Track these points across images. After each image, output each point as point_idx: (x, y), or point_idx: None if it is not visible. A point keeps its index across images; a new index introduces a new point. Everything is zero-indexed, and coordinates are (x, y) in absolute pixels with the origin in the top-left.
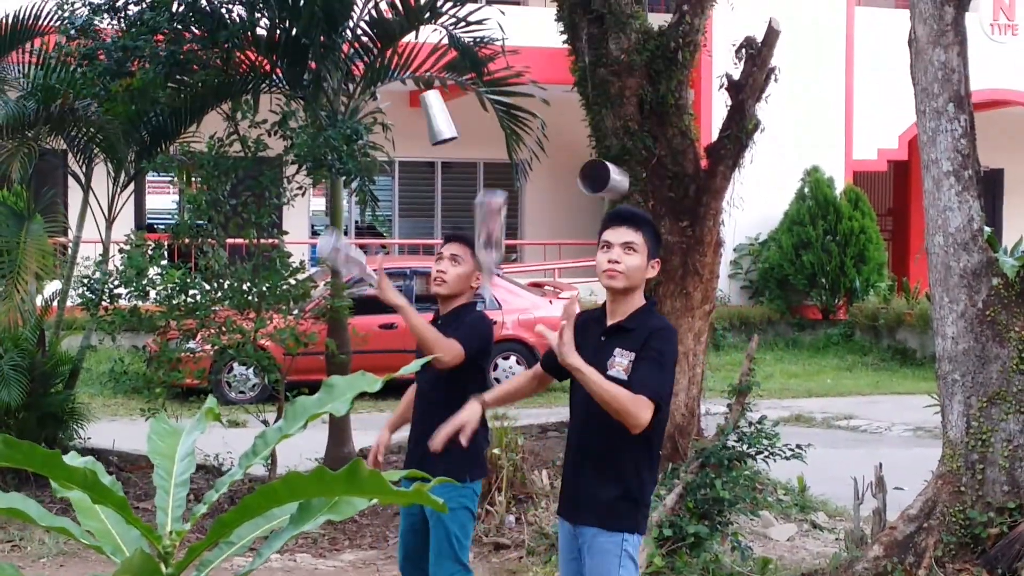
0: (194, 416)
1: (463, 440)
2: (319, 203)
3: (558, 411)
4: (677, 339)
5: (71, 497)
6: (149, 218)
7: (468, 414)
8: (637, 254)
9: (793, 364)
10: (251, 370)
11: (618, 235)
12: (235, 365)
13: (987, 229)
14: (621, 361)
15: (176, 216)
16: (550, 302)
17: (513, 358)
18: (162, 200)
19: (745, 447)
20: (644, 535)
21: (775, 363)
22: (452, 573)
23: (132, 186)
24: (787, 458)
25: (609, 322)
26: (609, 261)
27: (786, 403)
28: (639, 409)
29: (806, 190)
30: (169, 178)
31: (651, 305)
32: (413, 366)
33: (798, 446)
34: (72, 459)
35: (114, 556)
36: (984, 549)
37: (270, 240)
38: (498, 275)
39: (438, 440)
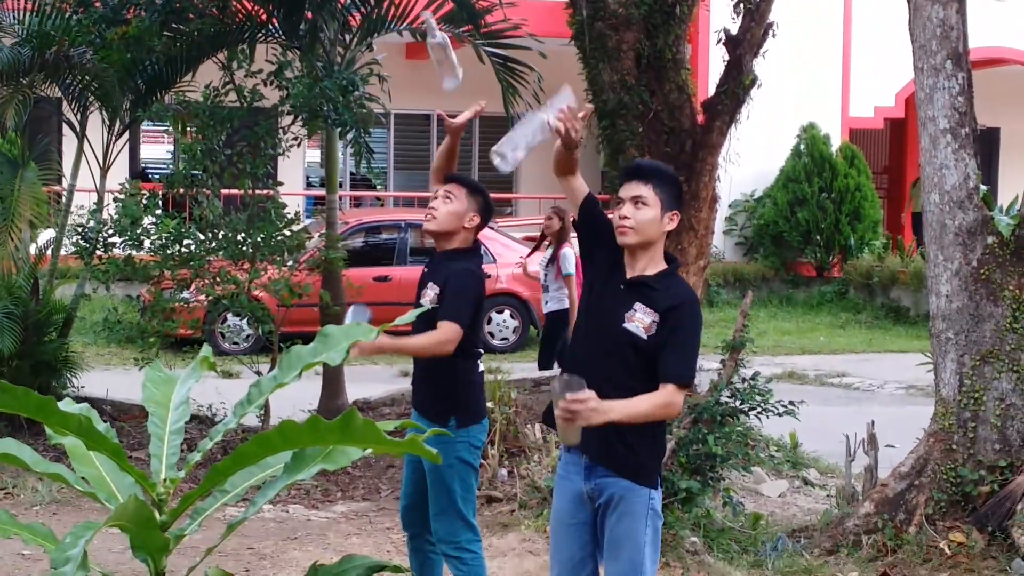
0: (188, 366)
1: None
2: (314, 154)
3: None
4: (698, 305)
5: (65, 444)
6: (144, 167)
7: None
8: (648, 208)
9: (787, 321)
10: (245, 321)
11: (628, 190)
12: (229, 316)
13: (983, 187)
14: (643, 318)
15: (171, 165)
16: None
17: (507, 312)
18: (157, 150)
19: (738, 403)
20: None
21: (769, 320)
22: (454, 531)
23: (127, 135)
24: (780, 415)
25: (629, 274)
26: (620, 217)
27: (779, 360)
28: (673, 407)
29: (802, 147)
30: (164, 127)
31: (676, 266)
32: (408, 316)
33: (791, 403)
34: (67, 406)
35: (108, 503)
36: (975, 507)
37: (265, 191)
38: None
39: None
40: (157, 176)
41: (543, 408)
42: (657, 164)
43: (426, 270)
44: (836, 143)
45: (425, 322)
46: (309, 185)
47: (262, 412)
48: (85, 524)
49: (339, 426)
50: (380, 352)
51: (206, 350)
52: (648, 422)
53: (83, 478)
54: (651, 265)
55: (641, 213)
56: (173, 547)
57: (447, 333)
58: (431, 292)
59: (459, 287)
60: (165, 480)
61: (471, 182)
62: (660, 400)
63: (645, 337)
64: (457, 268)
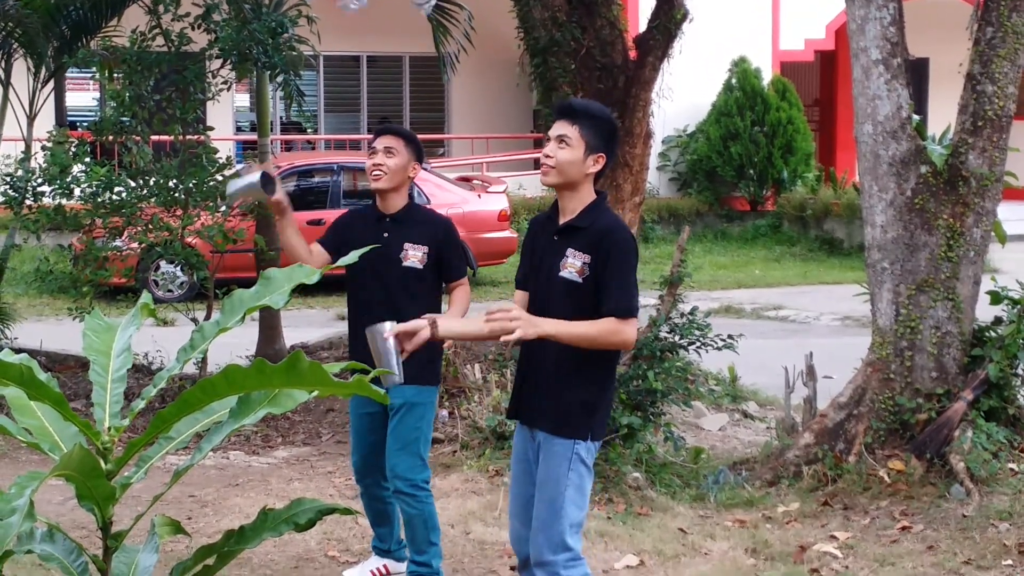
0: (124, 314)
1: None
2: (243, 99)
3: (491, 305)
4: (629, 231)
5: (6, 395)
6: (69, 116)
7: (419, 335)
8: (570, 148)
9: (722, 256)
10: (178, 268)
11: (554, 128)
12: (162, 263)
13: (915, 117)
14: (574, 263)
15: (98, 113)
16: (479, 196)
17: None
18: (82, 97)
19: (677, 338)
20: (599, 439)
21: (704, 255)
22: (412, 466)
23: (52, 83)
24: (719, 348)
25: (561, 220)
26: (543, 156)
27: (715, 295)
28: (621, 332)
29: (733, 81)
30: (89, 74)
31: (601, 200)
32: (351, 257)
33: (729, 336)
34: (6, 356)
35: (52, 453)
36: (913, 435)
37: (196, 136)
38: None
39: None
40: (84, 124)
41: (482, 348)
42: (588, 104)
43: (372, 226)
44: (767, 76)
45: (417, 280)
46: (239, 130)
47: (200, 359)
48: (30, 475)
49: (285, 369)
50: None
51: (146, 297)
52: (564, 370)
53: (25, 429)
54: (580, 207)
55: (563, 153)
56: (120, 496)
57: (468, 291)
58: (417, 252)
59: (457, 247)
60: (109, 429)
61: (405, 132)
62: (603, 327)
63: (580, 280)
64: (434, 230)
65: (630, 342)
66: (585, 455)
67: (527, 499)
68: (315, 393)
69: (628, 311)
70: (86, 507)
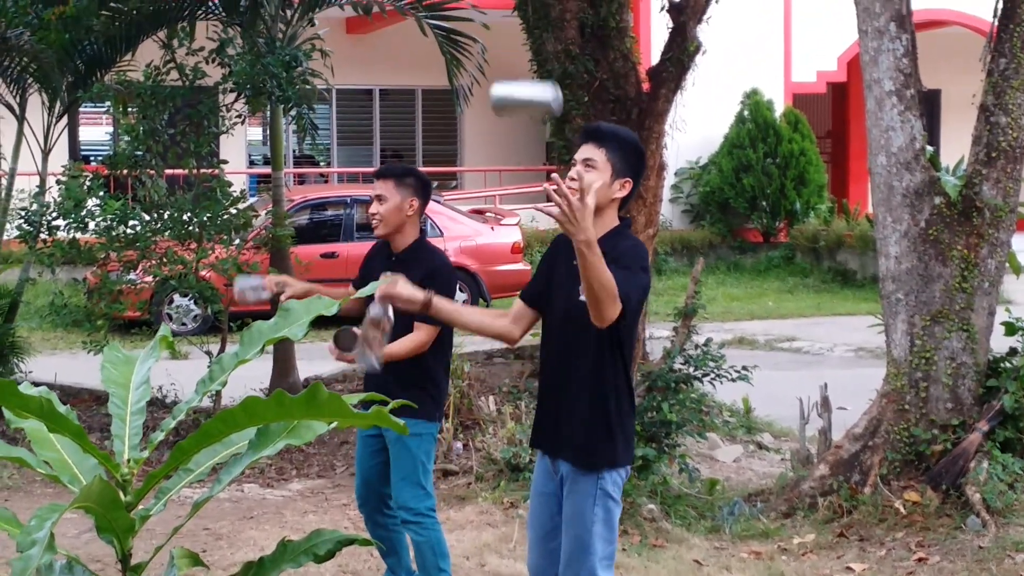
0: (139, 347)
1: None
2: (255, 133)
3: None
4: (646, 257)
5: (26, 427)
6: (83, 150)
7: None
8: (596, 171)
9: (735, 287)
10: (192, 301)
11: (581, 152)
12: (176, 296)
13: (929, 148)
14: None
15: (111, 147)
16: (492, 228)
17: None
18: (95, 132)
19: (691, 369)
20: (626, 466)
21: (717, 286)
22: (414, 495)
23: (66, 117)
24: (733, 380)
25: None
26: (569, 179)
27: (728, 326)
28: (615, 300)
29: (746, 113)
30: (103, 109)
31: (624, 226)
32: (368, 289)
33: (744, 368)
34: (27, 389)
35: (71, 485)
36: (928, 466)
37: (210, 170)
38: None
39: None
40: (97, 159)
41: (496, 380)
42: (616, 128)
43: (382, 263)
44: (780, 108)
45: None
46: (251, 164)
47: (214, 392)
48: (50, 507)
49: (305, 400)
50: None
51: (164, 329)
52: (587, 400)
53: (45, 461)
54: (602, 232)
55: (590, 175)
56: (139, 528)
57: (428, 335)
58: None
59: (439, 277)
60: (129, 461)
61: (396, 172)
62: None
63: None
64: (427, 268)
65: (610, 318)
66: (611, 488)
67: (546, 532)
68: (333, 425)
69: (620, 293)
70: (105, 539)
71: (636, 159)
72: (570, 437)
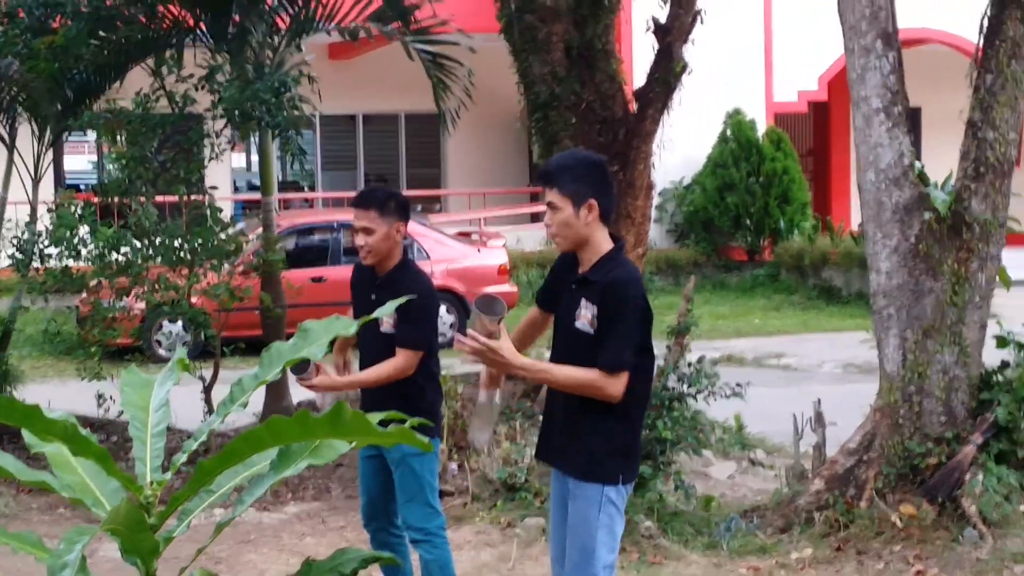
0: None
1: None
2: (239, 159)
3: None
4: (636, 284)
5: (47, 452)
6: (68, 179)
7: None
8: (560, 210)
9: (721, 305)
10: (181, 327)
11: (544, 196)
12: (164, 323)
13: (918, 164)
14: (586, 314)
15: (96, 175)
16: (478, 251)
17: (442, 307)
18: (78, 160)
19: (685, 387)
20: (630, 482)
21: (703, 305)
22: (425, 515)
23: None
24: (727, 397)
25: (580, 270)
26: (545, 225)
27: (716, 344)
28: (605, 387)
29: (728, 132)
30: (85, 138)
31: (616, 251)
32: (386, 310)
33: (738, 384)
34: (49, 413)
35: (95, 508)
36: (923, 479)
37: (200, 196)
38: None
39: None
40: (83, 187)
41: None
42: (559, 161)
43: (367, 285)
44: (762, 128)
45: (385, 343)
46: (236, 190)
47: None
48: (78, 529)
49: (328, 420)
50: (335, 389)
51: (181, 352)
52: (592, 413)
53: (68, 485)
54: (594, 258)
55: (556, 217)
56: (163, 549)
57: (408, 360)
58: (390, 319)
59: (416, 314)
60: (152, 483)
61: (376, 199)
62: (583, 377)
63: (591, 331)
64: (409, 291)
65: (615, 396)
66: (615, 498)
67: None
68: (354, 444)
69: (615, 366)
70: (130, 561)
71: (590, 175)
72: (576, 452)
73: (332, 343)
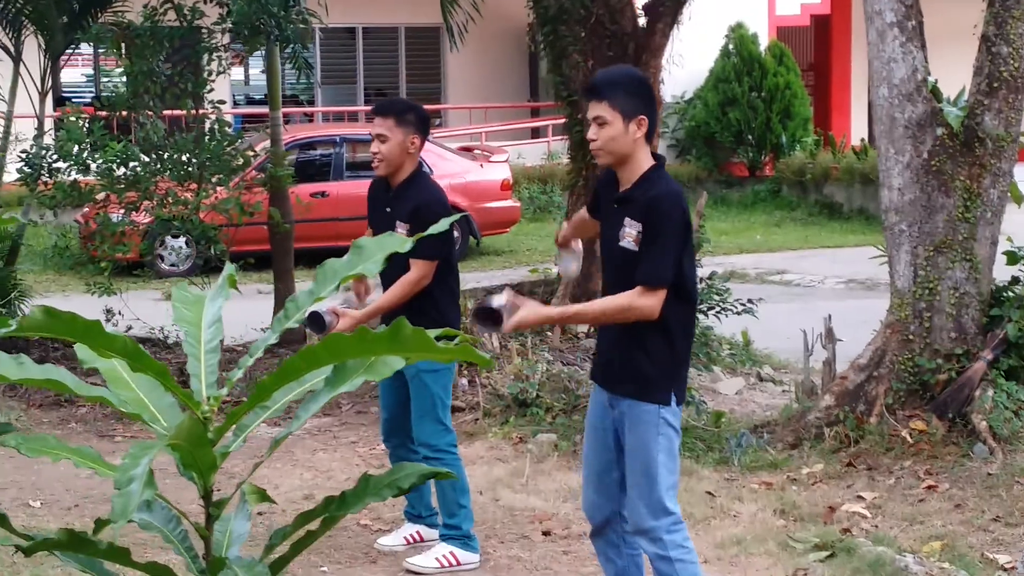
0: (138, 289)
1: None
2: (238, 73)
3: (495, 274)
4: (678, 200)
5: (101, 368)
6: (63, 92)
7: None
8: (609, 125)
9: (722, 221)
10: (184, 243)
11: (589, 111)
12: (168, 238)
13: (931, 79)
14: (630, 232)
15: (92, 88)
16: (481, 166)
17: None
18: (73, 73)
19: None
20: (682, 402)
21: (705, 221)
22: (434, 432)
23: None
24: (739, 313)
25: (620, 189)
26: (589, 140)
27: (718, 260)
28: (641, 307)
29: (731, 47)
30: (80, 51)
31: (657, 168)
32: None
33: (749, 300)
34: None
35: (152, 424)
36: (933, 395)
37: (207, 110)
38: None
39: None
40: (76, 101)
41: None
42: (609, 75)
43: (382, 198)
44: (764, 42)
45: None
46: (235, 104)
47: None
48: (140, 445)
49: (388, 336)
50: (361, 323)
51: (230, 268)
52: (641, 334)
53: (123, 401)
54: (635, 177)
55: (604, 132)
56: (220, 464)
57: (422, 270)
58: (402, 229)
59: (429, 212)
60: (209, 399)
61: (396, 108)
62: (615, 305)
63: (636, 249)
64: (420, 202)
65: (652, 314)
66: (671, 418)
67: (601, 467)
68: (408, 359)
69: (654, 282)
70: (187, 476)
71: (641, 92)
72: (631, 374)
73: (386, 260)
